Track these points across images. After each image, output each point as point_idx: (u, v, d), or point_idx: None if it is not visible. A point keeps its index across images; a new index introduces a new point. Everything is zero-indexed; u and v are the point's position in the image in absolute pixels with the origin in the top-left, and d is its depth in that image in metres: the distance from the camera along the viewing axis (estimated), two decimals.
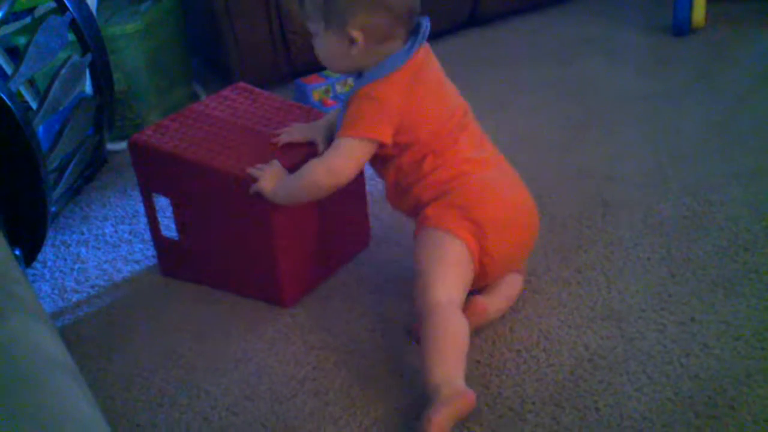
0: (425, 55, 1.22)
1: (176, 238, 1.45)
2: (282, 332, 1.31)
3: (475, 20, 2.45)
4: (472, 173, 1.21)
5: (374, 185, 1.55)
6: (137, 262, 1.56)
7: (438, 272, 1.15)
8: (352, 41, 1.16)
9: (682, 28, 2.27)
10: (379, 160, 1.24)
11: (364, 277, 1.42)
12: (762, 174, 1.55)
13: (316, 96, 2.04)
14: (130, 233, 1.66)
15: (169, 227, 1.48)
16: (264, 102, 1.48)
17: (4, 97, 1.28)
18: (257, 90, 1.52)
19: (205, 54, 2.60)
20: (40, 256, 1.56)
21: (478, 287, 1.23)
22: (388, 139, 1.18)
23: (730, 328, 1.18)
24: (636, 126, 1.81)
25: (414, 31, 1.20)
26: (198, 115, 1.43)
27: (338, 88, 2.06)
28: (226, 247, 1.38)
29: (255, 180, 1.24)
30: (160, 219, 1.47)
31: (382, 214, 1.55)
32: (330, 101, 2.02)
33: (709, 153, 1.65)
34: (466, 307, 1.18)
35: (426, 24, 1.21)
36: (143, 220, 1.69)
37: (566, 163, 1.68)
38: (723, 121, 1.77)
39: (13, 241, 1.00)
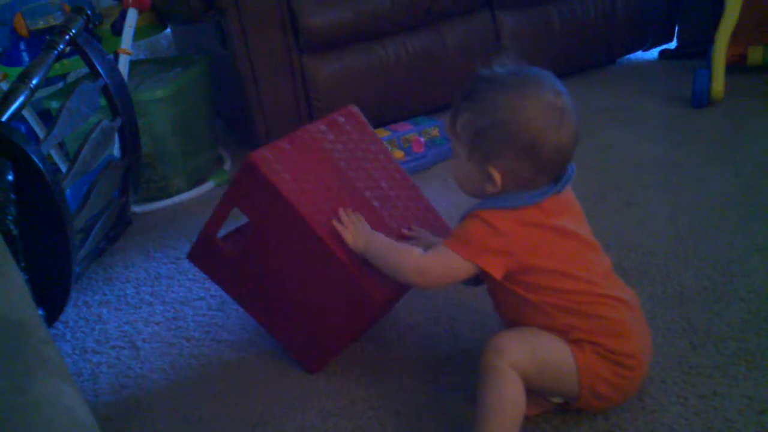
0: (564, 196, 1.14)
1: (228, 251, 1.35)
2: (300, 397, 1.30)
3: None
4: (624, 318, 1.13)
5: None
6: (157, 323, 1.57)
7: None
8: (489, 178, 1.10)
9: (701, 100, 2.30)
10: (499, 285, 1.13)
11: (385, 343, 1.42)
12: None
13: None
14: (151, 295, 1.68)
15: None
16: (365, 140, 1.40)
17: (37, 161, 1.31)
18: (363, 120, 1.42)
19: (229, 117, 2.65)
20: (61, 316, 1.58)
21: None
22: (496, 273, 1.09)
23: (753, 402, 1.16)
24: (656, 196, 1.82)
25: (557, 177, 1.13)
26: (311, 142, 1.32)
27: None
28: (279, 289, 1.32)
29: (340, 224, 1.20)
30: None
31: None
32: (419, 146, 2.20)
33: (729, 224, 1.65)
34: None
35: (572, 171, 1.14)
36: (165, 282, 1.71)
37: None
38: (742, 192, 1.78)
39: (36, 301, 1.01)
